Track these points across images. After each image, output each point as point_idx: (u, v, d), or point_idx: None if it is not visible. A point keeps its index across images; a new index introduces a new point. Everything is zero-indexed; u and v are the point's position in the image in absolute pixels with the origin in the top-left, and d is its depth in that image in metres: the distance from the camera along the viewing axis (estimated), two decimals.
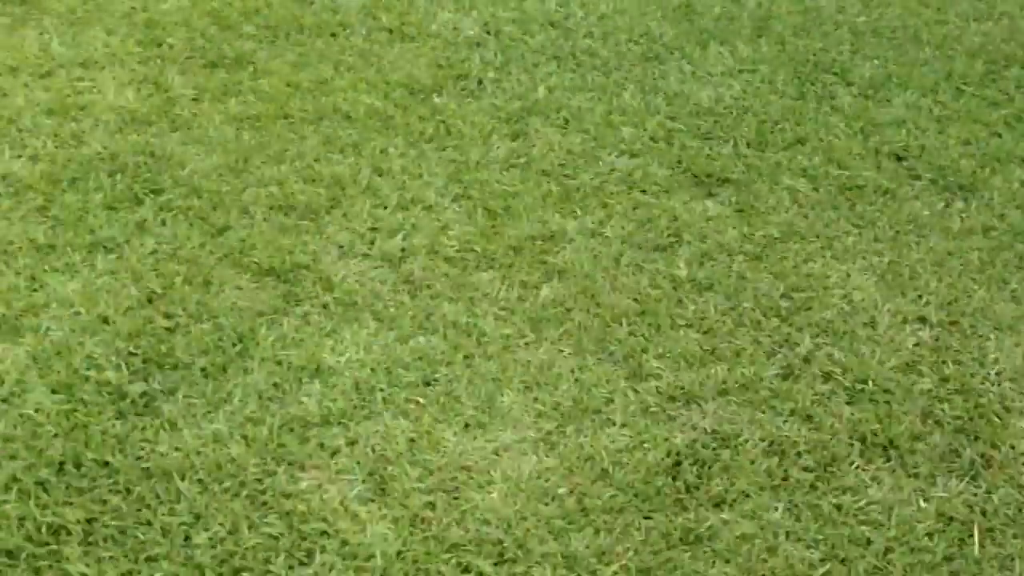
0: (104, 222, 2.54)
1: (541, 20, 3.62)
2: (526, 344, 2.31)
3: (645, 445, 2.07)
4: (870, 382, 2.26)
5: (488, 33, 3.55)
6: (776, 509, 1.96)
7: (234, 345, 2.22)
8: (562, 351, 2.29)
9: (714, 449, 2.08)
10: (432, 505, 1.91)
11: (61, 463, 1.92)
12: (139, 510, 1.86)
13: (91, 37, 3.31)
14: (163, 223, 2.59)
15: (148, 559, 1.78)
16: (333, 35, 3.47)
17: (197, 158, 2.83)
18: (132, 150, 2.83)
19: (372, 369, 2.19)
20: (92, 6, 3.46)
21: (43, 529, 1.81)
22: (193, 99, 3.10)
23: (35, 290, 2.32)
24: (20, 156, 2.79)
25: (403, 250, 2.60)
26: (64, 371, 2.08)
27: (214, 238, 2.56)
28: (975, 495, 2.03)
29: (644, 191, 2.97)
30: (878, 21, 3.69)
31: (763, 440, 2.10)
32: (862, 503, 1.99)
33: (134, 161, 2.79)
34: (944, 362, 2.35)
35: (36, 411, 2.01)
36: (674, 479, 2.00)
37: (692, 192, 2.98)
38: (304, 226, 2.67)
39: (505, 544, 1.85)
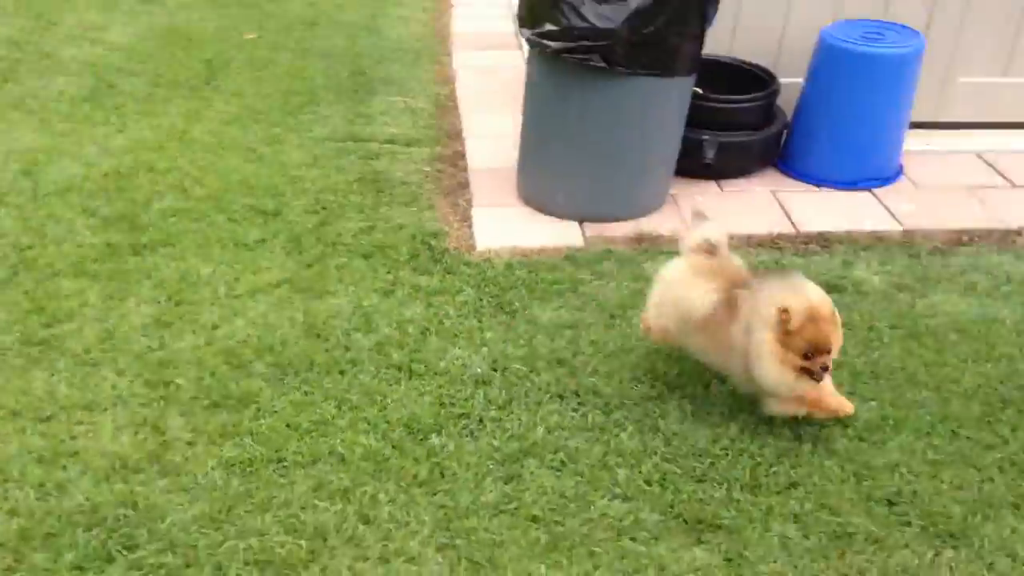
0: None
1: (549, 357, 3.68)
2: None
3: None
4: None
5: (495, 370, 3.62)
6: None
7: None
8: None
9: None
10: None
11: None
12: None
13: (100, 378, 3.45)
14: None
15: None
16: (342, 372, 3.56)
17: (179, 508, 2.86)
18: (115, 501, 2.87)
19: None
20: (108, 345, 3.62)
21: None
22: (188, 443, 3.16)
23: None
24: None
25: None
26: None
27: None
28: None
29: (634, 538, 2.92)
30: (877, 363, 3.67)
31: None
32: None
33: (114, 514, 2.82)
34: None
35: None
36: None
37: (681, 539, 2.92)
38: None
39: None
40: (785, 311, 3.07)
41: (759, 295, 3.18)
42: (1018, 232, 4.65)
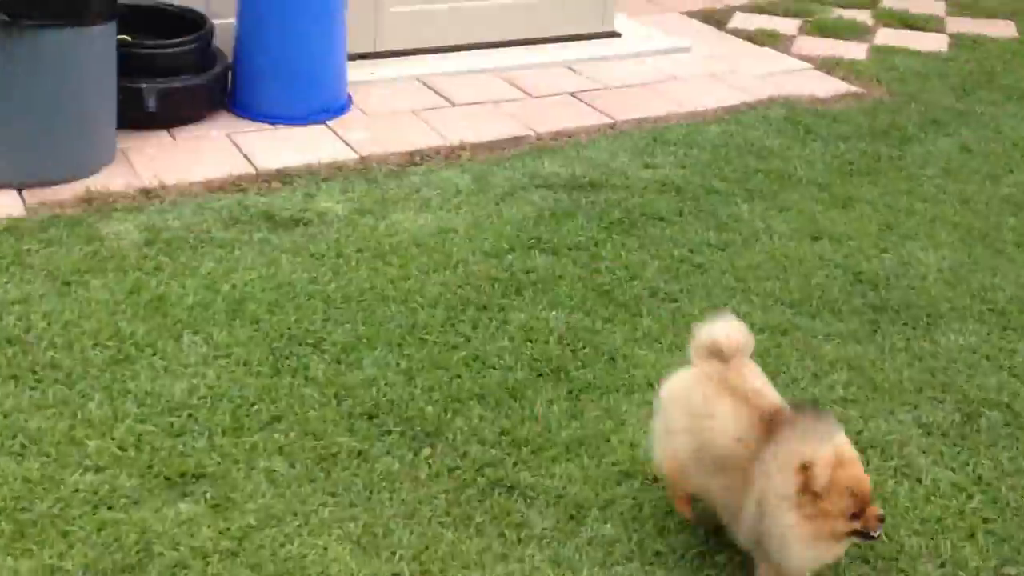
0: None
1: None
2: None
3: None
4: None
5: None
6: None
7: None
8: None
9: None
10: None
11: None
12: None
13: None
14: None
15: None
16: None
17: None
18: None
19: None
20: None
21: None
22: None
23: None
24: None
25: None
26: None
27: None
28: None
29: (111, 507, 2.73)
30: (348, 286, 3.74)
31: None
32: None
33: None
34: None
35: None
36: None
37: (164, 497, 2.78)
38: None
39: None
40: (805, 467, 2.33)
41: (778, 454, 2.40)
42: (462, 147, 4.96)
